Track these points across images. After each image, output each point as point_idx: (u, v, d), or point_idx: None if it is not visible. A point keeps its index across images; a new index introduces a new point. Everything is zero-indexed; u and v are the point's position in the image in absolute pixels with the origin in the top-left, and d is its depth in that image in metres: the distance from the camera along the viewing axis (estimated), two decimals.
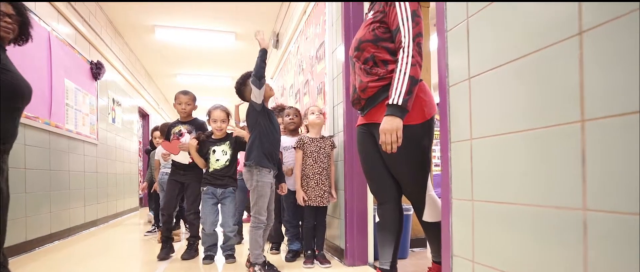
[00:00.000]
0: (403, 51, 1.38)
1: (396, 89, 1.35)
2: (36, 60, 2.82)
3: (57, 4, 3.15)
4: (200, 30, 4.98)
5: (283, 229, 2.65)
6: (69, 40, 3.41)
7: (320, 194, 2.24)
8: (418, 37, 1.39)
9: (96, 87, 4.10)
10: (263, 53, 1.95)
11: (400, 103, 1.33)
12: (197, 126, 2.56)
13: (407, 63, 1.35)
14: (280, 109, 2.74)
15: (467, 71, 1.12)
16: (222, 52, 5.84)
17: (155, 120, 7.24)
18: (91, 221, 3.97)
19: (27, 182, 2.67)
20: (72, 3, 3.54)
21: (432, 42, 3.06)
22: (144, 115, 7.04)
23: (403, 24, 1.40)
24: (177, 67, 6.73)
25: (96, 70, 3.97)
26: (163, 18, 4.65)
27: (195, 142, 2.35)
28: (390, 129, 1.35)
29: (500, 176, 0.99)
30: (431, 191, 1.62)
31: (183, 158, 2.46)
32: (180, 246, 2.89)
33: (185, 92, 2.55)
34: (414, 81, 1.35)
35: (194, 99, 2.58)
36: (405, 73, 1.35)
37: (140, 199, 6.39)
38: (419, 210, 1.62)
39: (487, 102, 1.04)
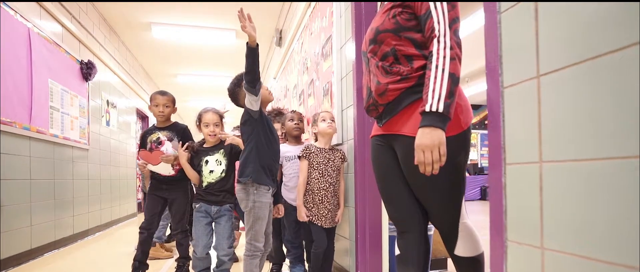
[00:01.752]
0: (438, 42, 1.06)
1: (433, 91, 1.03)
2: (13, 59, 2.55)
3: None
4: (199, 28, 4.70)
5: (284, 249, 2.35)
6: (54, 38, 3.14)
7: (324, 214, 1.93)
8: (455, 23, 1.08)
9: (87, 88, 3.84)
10: (253, 52, 1.58)
11: (441, 109, 1.02)
12: (178, 132, 2.24)
13: (444, 57, 1.04)
14: (277, 113, 2.42)
15: (535, 66, 0.81)
16: (223, 50, 5.56)
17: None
18: (82, 232, 3.71)
19: (1, 193, 2.41)
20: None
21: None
22: (143, 117, 6.80)
23: (435, 7, 1.09)
24: (177, 67, 6.47)
25: (87, 70, 3.71)
26: (160, 15, 4.38)
27: (186, 154, 2.04)
28: (431, 144, 1.03)
29: (596, 219, 0.68)
30: (466, 219, 1.30)
31: (164, 169, 2.14)
32: (170, 264, 2.61)
33: (162, 93, 2.22)
34: (455, 80, 1.04)
35: (173, 100, 2.25)
36: (443, 70, 1.03)
37: (139, 204, 6.14)
38: (450, 241, 1.30)
39: (573, 110, 0.72)
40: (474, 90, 7.27)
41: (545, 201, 0.79)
